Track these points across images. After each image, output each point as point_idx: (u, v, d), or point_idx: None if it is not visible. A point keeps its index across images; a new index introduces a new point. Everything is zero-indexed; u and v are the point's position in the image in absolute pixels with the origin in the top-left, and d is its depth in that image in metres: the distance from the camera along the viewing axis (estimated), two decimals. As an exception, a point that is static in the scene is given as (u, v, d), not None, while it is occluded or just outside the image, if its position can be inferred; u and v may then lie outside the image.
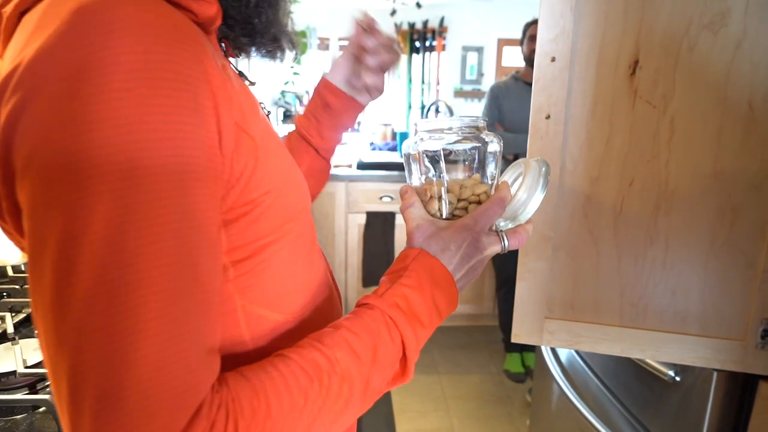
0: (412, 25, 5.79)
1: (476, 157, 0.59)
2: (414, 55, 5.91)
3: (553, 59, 0.80)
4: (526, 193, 0.59)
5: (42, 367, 0.72)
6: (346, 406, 0.46)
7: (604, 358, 1.28)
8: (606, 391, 1.25)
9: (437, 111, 4.73)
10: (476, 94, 5.63)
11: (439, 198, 0.58)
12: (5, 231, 0.45)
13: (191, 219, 0.37)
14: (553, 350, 1.51)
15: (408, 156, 0.61)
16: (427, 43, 5.80)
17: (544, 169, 0.60)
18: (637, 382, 1.12)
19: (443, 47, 5.72)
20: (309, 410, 0.42)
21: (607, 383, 1.27)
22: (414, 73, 5.97)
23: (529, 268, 0.88)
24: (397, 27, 5.88)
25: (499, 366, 2.69)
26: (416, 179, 0.61)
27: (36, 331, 0.37)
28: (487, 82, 5.67)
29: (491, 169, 0.61)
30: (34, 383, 0.70)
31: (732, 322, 0.83)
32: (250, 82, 0.57)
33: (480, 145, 0.59)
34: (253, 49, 0.55)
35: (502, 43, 5.61)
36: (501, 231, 0.58)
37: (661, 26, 0.77)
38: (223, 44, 0.53)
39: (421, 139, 0.59)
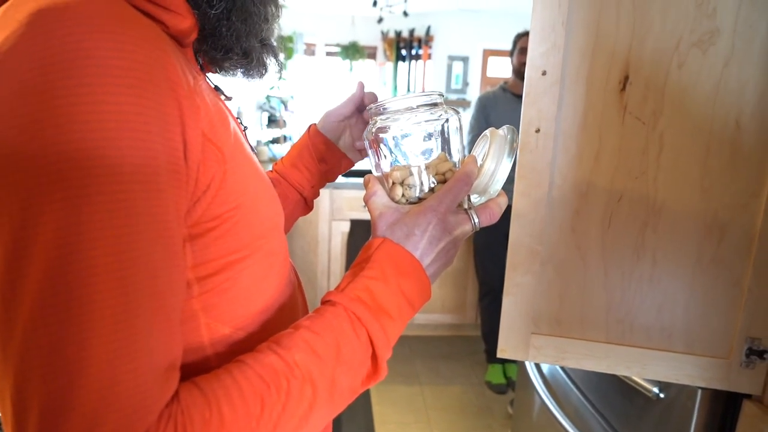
0: (398, 33, 5.81)
1: (439, 134, 0.56)
2: (400, 63, 5.93)
3: (544, 73, 0.80)
4: (493, 163, 0.56)
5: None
6: (311, 409, 0.43)
7: (587, 371, 1.28)
8: (588, 405, 1.25)
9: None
10: (461, 104, 5.66)
11: (402, 183, 0.55)
12: None
13: (151, 230, 0.35)
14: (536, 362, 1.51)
15: (367, 143, 0.57)
16: (413, 52, 5.83)
17: (510, 136, 0.57)
18: (620, 397, 1.12)
19: (429, 56, 5.76)
20: (268, 417, 0.40)
21: (590, 396, 1.26)
22: (400, 81, 5.99)
23: (516, 282, 0.87)
24: (384, 35, 5.90)
25: (481, 377, 2.68)
26: (380, 167, 0.57)
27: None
28: (473, 92, 5.70)
29: (456, 144, 0.57)
30: None
31: (717, 339, 0.83)
32: (226, 96, 0.55)
33: (439, 120, 0.55)
34: (226, 64, 0.52)
35: (488, 53, 5.67)
36: (470, 209, 0.55)
37: (651, 43, 0.77)
38: (199, 59, 0.51)
39: (376, 123, 0.55)
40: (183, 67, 0.40)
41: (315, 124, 0.77)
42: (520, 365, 1.63)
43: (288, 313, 0.55)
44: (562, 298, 0.87)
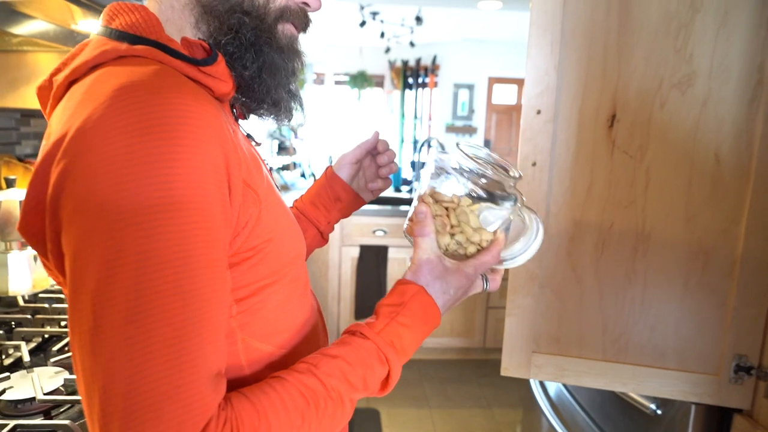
0: (405, 63, 5.96)
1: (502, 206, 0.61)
2: (407, 91, 6.07)
3: (539, 112, 0.88)
4: (521, 247, 0.63)
5: (58, 394, 0.75)
6: (335, 423, 0.52)
7: (590, 392, 1.32)
8: (593, 425, 1.29)
9: (429, 146, 4.83)
10: (467, 130, 5.77)
11: (452, 235, 0.61)
12: (46, 267, 0.50)
13: (206, 259, 0.43)
14: (542, 385, 1.55)
15: (446, 167, 0.61)
16: (420, 80, 5.97)
17: (540, 231, 0.62)
18: (622, 416, 1.16)
19: (435, 84, 5.89)
20: (306, 428, 0.48)
21: (594, 417, 1.30)
22: (407, 108, 6.12)
23: (517, 304, 0.93)
24: (391, 64, 6.05)
25: (490, 400, 2.71)
26: (428, 185, 0.62)
27: (72, 354, 0.42)
28: (478, 119, 5.82)
29: (501, 216, 0.62)
30: (49, 410, 0.73)
31: (707, 357, 0.88)
32: (257, 143, 0.64)
33: (516, 203, 0.61)
34: (258, 113, 0.61)
35: (493, 81, 5.80)
36: (485, 277, 0.63)
37: (635, 84, 0.85)
38: (234, 109, 0.60)
39: (466, 162, 0.60)
40: (226, 124, 0.48)
41: (332, 166, 0.86)
42: (527, 388, 1.67)
43: (309, 331, 0.63)
44: (561, 318, 0.93)
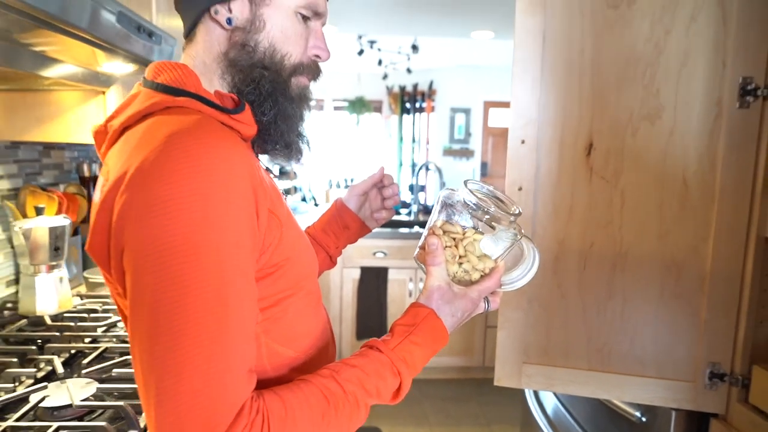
0: (402, 88, 6.12)
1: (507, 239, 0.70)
2: (405, 116, 6.22)
3: (523, 142, 0.97)
4: (519, 273, 0.72)
5: (90, 400, 0.83)
6: (351, 423, 0.60)
7: (583, 405, 1.38)
8: (586, 436, 1.35)
9: (427, 170, 4.94)
10: (464, 153, 5.88)
11: (459, 263, 0.69)
12: (107, 281, 0.59)
13: (239, 274, 0.52)
14: (539, 402, 1.61)
15: (454, 203, 0.70)
16: (417, 105, 6.12)
17: (537, 260, 0.71)
18: (612, 425, 1.23)
19: (432, 108, 6.03)
20: (325, 425, 0.56)
21: (587, 429, 1.36)
22: (405, 132, 6.26)
23: (508, 317, 1.01)
24: (389, 89, 6.21)
25: (490, 417, 2.75)
26: (438, 218, 0.71)
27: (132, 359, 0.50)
28: (475, 142, 5.94)
29: (503, 246, 0.70)
30: (83, 416, 0.81)
31: (683, 365, 0.95)
32: (274, 174, 0.73)
33: (517, 236, 0.69)
34: (273, 153, 0.70)
35: (489, 104, 5.94)
36: (486, 299, 0.72)
37: (609, 116, 0.94)
38: (255, 148, 0.69)
39: (472, 198, 0.68)
40: (252, 161, 0.57)
41: (341, 198, 0.96)
42: (524, 404, 1.73)
43: (323, 338, 0.72)
44: (548, 330, 1.00)
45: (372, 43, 4.26)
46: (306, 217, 3.55)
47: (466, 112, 5.92)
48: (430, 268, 0.68)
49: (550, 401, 1.59)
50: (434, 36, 4.03)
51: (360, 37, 4.14)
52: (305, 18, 0.66)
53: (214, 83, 0.63)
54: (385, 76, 5.34)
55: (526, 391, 1.68)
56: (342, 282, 2.99)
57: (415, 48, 4.21)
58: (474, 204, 0.68)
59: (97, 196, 0.55)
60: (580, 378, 0.99)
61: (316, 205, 4.37)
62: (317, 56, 0.68)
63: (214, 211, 0.49)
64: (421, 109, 6.11)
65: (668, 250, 0.94)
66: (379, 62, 4.57)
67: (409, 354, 0.64)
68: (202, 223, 0.49)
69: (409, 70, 4.82)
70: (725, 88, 0.88)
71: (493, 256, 0.70)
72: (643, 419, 1.09)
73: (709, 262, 0.92)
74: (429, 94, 6.01)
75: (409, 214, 3.67)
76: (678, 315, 0.95)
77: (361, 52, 4.20)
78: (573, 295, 0.98)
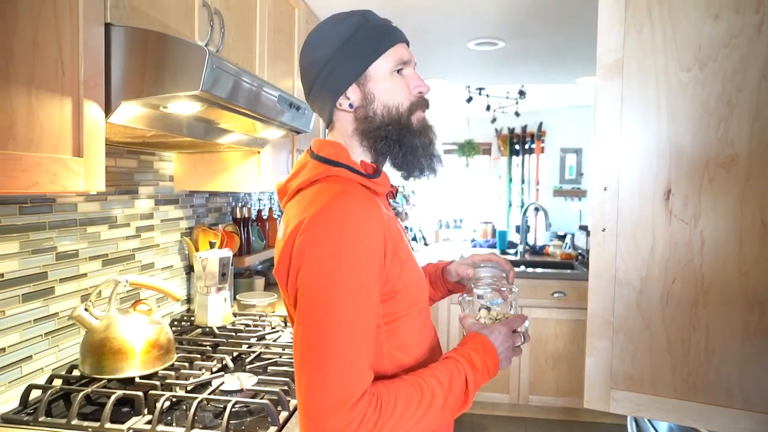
0: (511, 130, 6.23)
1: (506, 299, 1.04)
2: (514, 157, 6.30)
3: (605, 189, 1.10)
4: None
5: (255, 387, 1.10)
6: (430, 410, 0.78)
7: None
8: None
9: (536, 210, 4.96)
10: (576, 193, 5.81)
11: (488, 313, 1.00)
12: (284, 295, 0.84)
13: (370, 298, 0.74)
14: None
15: (468, 300, 1.05)
16: (527, 146, 6.18)
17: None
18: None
19: (542, 149, 6.06)
20: (415, 408, 0.76)
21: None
22: (514, 173, 6.33)
23: (595, 345, 1.12)
24: (498, 132, 6.36)
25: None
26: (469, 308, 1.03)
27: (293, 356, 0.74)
28: (587, 181, 5.84)
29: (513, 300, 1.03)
30: (250, 397, 1.08)
31: (771, 398, 1.00)
32: (401, 217, 0.97)
33: (508, 295, 1.06)
34: (411, 177, 0.94)
35: (601, 144, 5.83)
36: (524, 332, 0.95)
37: (685, 164, 1.04)
38: (388, 197, 0.94)
39: (476, 292, 1.03)
40: (384, 214, 0.80)
41: (446, 268, 1.18)
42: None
43: (431, 349, 0.93)
44: (633, 359, 1.10)
45: (480, 89, 4.48)
46: (416, 255, 3.78)
47: (577, 152, 5.87)
48: (463, 323, 0.99)
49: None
50: (540, 83, 4.15)
51: (468, 86, 4.38)
52: (399, 71, 0.89)
53: (356, 152, 0.88)
54: (493, 120, 5.51)
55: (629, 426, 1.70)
56: (449, 317, 3.14)
57: (522, 93, 4.35)
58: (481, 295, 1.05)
59: (280, 234, 0.82)
60: (667, 405, 1.07)
61: (425, 244, 4.59)
62: (420, 93, 0.91)
63: (356, 250, 0.73)
64: (530, 150, 6.16)
65: (750, 287, 1.00)
66: (488, 107, 4.76)
67: (468, 353, 0.85)
68: (348, 258, 0.72)
69: (517, 114, 4.96)
70: (799, 138, 0.96)
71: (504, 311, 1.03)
72: (739, 454, 1.11)
73: (793, 300, 0.97)
74: (538, 135, 6.05)
75: (516, 254, 3.74)
76: (763, 348, 1.00)
77: (469, 100, 4.43)
78: (657, 326, 1.07)
